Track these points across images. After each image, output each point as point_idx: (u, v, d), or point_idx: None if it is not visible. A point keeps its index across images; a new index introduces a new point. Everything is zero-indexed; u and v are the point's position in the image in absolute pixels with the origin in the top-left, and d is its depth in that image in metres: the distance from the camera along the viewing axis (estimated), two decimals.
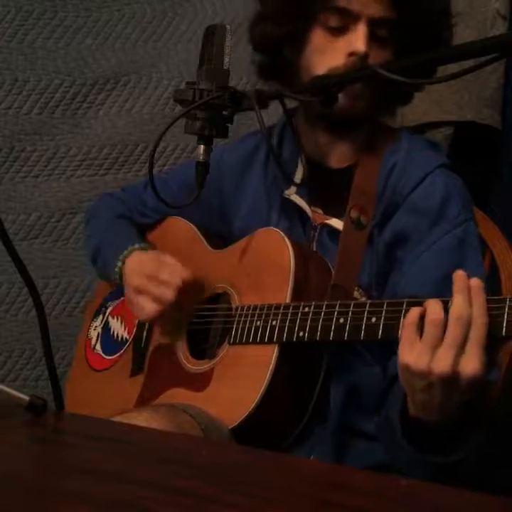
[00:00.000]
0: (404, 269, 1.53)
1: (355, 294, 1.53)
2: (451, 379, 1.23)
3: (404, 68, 1.35)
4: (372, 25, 1.53)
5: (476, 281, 1.24)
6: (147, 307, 1.63)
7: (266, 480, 0.96)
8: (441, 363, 1.23)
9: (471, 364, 1.23)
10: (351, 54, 1.52)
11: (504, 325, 1.22)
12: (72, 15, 2.28)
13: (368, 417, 1.54)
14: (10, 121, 2.26)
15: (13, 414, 1.11)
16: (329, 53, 1.55)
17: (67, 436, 1.14)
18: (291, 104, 1.67)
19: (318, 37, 1.57)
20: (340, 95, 1.47)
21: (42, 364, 2.30)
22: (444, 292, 1.37)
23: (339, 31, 1.54)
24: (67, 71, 2.29)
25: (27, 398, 1.12)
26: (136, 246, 1.73)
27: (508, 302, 1.23)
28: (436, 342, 1.24)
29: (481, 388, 1.27)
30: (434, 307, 1.25)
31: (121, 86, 2.33)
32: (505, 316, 1.22)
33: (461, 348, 1.23)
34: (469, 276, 1.25)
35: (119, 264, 1.72)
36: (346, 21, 1.53)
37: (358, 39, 1.52)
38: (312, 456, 1.50)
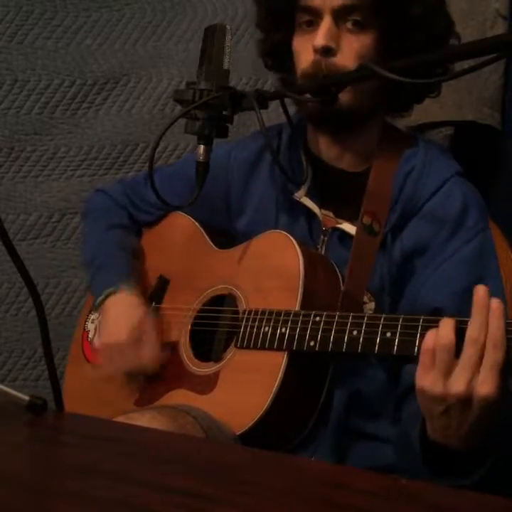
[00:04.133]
0: (424, 279, 1.52)
1: (364, 298, 1.52)
2: (467, 400, 1.22)
3: (404, 68, 1.34)
4: (339, 15, 1.51)
5: (496, 303, 1.22)
6: (105, 366, 1.68)
7: (266, 480, 0.96)
8: (456, 385, 1.22)
9: (485, 386, 1.21)
10: (315, 50, 1.50)
11: None
12: (72, 15, 2.28)
13: (371, 419, 1.54)
14: (10, 121, 2.26)
15: (13, 414, 1.11)
16: (302, 54, 1.55)
17: (67, 436, 1.14)
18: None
19: (296, 40, 1.57)
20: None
21: (42, 364, 2.30)
22: (463, 304, 1.37)
23: (311, 30, 1.54)
24: (67, 71, 2.29)
25: (27, 398, 1.12)
26: (120, 286, 1.71)
27: None
28: (449, 366, 1.23)
29: (497, 411, 1.25)
30: (444, 331, 1.24)
31: (121, 86, 2.33)
32: None
33: (475, 370, 1.22)
34: (490, 294, 1.24)
35: (100, 300, 1.71)
36: (314, 18, 1.53)
37: (319, 33, 1.50)
38: (313, 458, 1.50)
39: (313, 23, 1.53)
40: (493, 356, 1.21)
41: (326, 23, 1.50)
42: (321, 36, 1.50)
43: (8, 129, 2.26)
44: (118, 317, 1.68)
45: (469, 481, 1.30)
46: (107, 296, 1.70)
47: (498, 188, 2.16)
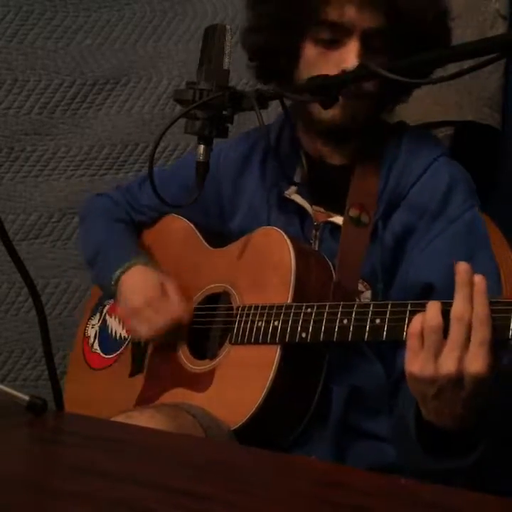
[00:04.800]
0: (414, 258, 1.53)
1: (359, 286, 1.53)
2: (458, 379, 1.22)
3: (403, 68, 1.34)
4: (366, 36, 1.50)
5: (479, 278, 1.22)
6: (140, 329, 1.67)
7: (266, 480, 0.96)
8: (446, 365, 1.21)
9: (475, 364, 1.20)
10: (343, 70, 1.49)
11: (511, 327, 1.20)
12: (72, 15, 2.28)
13: (370, 416, 1.54)
14: (10, 121, 2.26)
15: (13, 414, 1.11)
16: (322, 67, 1.52)
17: (67, 436, 1.14)
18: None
19: (310, 50, 1.55)
20: (338, 107, 1.46)
21: (42, 364, 2.30)
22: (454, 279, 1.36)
23: (331, 44, 1.52)
24: (67, 71, 2.28)
25: (27, 398, 1.12)
26: (136, 260, 1.72)
27: None
28: (438, 347, 1.22)
29: (489, 389, 1.24)
30: (431, 313, 1.24)
31: (121, 86, 2.33)
32: None
33: (464, 348, 1.21)
34: (474, 271, 1.22)
35: (117, 276, 1.71)
36: (338, 34, 1.51)
37: (349, 55, 1.49)
38: (312, 456, 1.50)
39: (337, 41, 1.52)
40: (481, 333, 1.20)
41: (356, 45, 1.50)
42: (355, 59, 1.48)
43: (8, 129, 2.26)
44: (135, 284, 1.69)
45: (465, 463, 1.29)
46: (122, 273, 1.71)
47: (498, 188, 2.16)
